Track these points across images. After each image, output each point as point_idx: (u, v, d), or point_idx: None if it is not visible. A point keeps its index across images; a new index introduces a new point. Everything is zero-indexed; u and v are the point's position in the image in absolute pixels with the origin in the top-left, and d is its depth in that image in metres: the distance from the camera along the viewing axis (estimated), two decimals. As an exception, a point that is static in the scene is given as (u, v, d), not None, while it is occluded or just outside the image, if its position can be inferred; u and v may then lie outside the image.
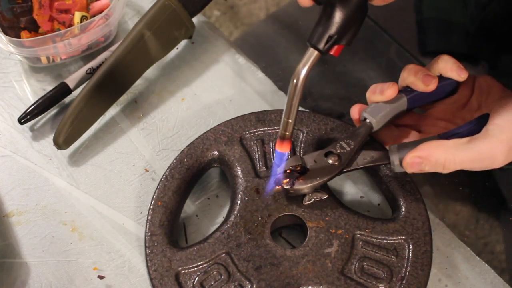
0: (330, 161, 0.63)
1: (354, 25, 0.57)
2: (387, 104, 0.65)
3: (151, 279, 0.63)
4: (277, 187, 0.65)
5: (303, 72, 0.57)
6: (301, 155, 0.67)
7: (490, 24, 0.90)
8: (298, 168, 0.63)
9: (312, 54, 0.57)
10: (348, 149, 0.64)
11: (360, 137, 0.65)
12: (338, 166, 0.63)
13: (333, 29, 0.56)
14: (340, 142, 0.64)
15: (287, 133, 0.60)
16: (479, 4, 0.91)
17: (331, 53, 0.58)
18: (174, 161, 0.68)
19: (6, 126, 0.76)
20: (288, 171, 0.63)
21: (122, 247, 0.68)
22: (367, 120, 0.65)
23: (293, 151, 0.69)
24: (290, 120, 0.59)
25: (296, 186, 0.62)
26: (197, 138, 0.70)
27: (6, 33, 0.75)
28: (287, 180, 0.63)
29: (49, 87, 0.76)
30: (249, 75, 0.79)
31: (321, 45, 0.56)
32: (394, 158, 0.62)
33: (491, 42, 0.91)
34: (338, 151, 0.64)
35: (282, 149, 0.61)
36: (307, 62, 0.57)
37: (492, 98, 0.66)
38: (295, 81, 0.57)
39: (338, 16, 0.55)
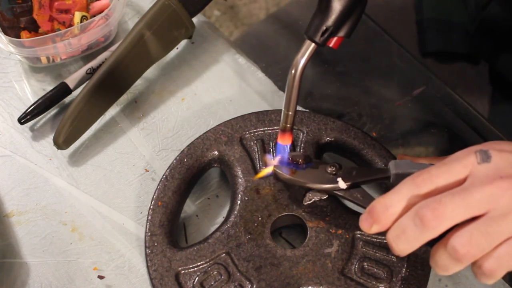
0: (329, 170, 0.61)
1: (352, 16, 0.56)
2: (417, 167, 0.58)
3: (151, 279, 0.63)
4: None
5: (301, 63, 0.57)
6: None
7: (490, 24, 0.90)
8: (299, 161, 0.62)
9: (309, 46, 0.57)
10: (354, 174, 0.61)
11: (373, 177, 0.61)
12: (332, 180, 0.61)
13: (329, 21, 0.55)
14: (354, 169, 0.61)
15: (288, 125, 0.60)
16: (479, 4, 0.91)
17: (330, 45, 0.57)
18: (174, 161, 0.68)
19: (6, 126, 0.76)
20: (290, 159, 0.63)
21: (122, 247, 0.68)
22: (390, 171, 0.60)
23: (293, 151, 0.68)
24: (290, 112, 0.59)
25: (283, 173, 0.61)
26: (197, 138, 0.70)
27: (6, 33, 0.75)
28: (279, 159, 0.62)
29: (49, 87, 0.76)
30: (249, 75, 0.79)
31: (317, 37, 0.56)
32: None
33: (491, 42, 0.91)
34: (344, 173, 0.61)
35: (284, 141, 0.61)
36: (304, 54, 0.57)
37: None
38: (293, 72, 0.57)
39: (335, 7, 0.55)
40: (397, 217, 0.52)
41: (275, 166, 0.63)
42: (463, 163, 0.51)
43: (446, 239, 0.50)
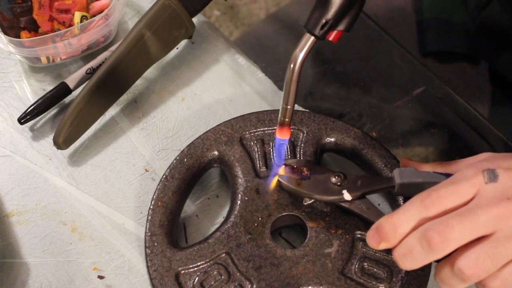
0: (333, 180, 0.61)
1: (352, 10, 0.56)
2: (422, 177, 0.59)
3: (151, 279, 0.63)
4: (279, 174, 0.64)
5: (300, 57, 0.56)
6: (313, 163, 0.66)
7: (490, 24, 0.90)
8: (304, 170, 0.63)
9: (308, 40, 0.56)
10: (359, 184, 0.61)
11: (377, 188, 0.61)
12: (337, 192, 0.61)
13: (329, 14, 0.55)
14: (359, 178, 0.61)
15: (286, 119, 0.60)
16: (479, 4, 0.91)
17: (330, 39, 0.57)
18: (174, 161, 0.68)
19: (6, 126, 0.76)
20: (293, 167, 0.63)
21: (122, 247, 0.68)
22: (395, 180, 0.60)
23: (293, 152, 0.69)
24: (289, 106, 0.59)
25: (288, 184, 0.62)
26: (197, 138, 0.70)
27: (6, 33, 0.75)
28: (285, 170, 0.62)
29: (49, 87, 0.76)
30: (249, 75, 0.79)
31: (316, 30, 0.56)
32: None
33: (491, 42, 0.91)
34: (349, 183, 0.61)
35: (282, 136, 0.61)
36: (303, 47, 0.56)
37: None
38: (292, 66, 0.57)
39: (335, 0, 0.55)
40: (405, 236, 0.53)
41: (279, 176, 0.63)
42: (471, 183, 0.52)
43: (453, 258, 0.51)
